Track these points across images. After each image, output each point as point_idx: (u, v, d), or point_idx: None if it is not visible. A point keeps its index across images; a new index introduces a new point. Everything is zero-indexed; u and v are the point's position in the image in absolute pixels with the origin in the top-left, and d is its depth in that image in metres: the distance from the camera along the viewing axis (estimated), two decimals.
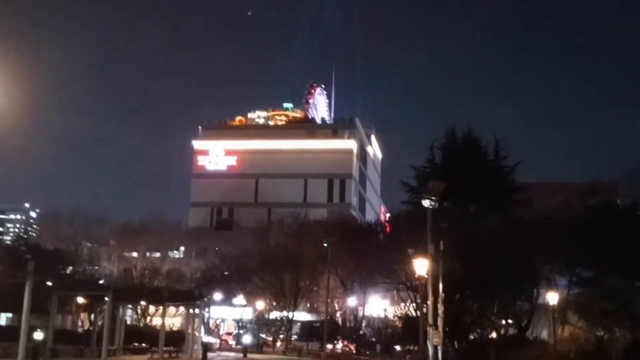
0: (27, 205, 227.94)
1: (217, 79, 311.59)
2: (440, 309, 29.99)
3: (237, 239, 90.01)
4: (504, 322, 53.69)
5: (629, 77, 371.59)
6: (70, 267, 76.19)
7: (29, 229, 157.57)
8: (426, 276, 28.62)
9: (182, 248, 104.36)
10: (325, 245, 63.38)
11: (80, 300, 64.07)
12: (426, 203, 27.99)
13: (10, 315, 67.13)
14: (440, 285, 31.54)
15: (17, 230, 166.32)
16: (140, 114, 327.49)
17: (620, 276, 46.70)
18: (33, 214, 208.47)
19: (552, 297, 41.58)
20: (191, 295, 67.55)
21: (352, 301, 74.04)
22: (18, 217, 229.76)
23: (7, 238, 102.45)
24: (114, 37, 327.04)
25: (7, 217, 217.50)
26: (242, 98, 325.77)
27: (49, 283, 46.07)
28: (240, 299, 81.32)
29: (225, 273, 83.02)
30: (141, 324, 75.88)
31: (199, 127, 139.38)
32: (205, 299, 67.33)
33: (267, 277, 75.51)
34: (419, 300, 53.36)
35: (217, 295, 75.54)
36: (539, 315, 52.67)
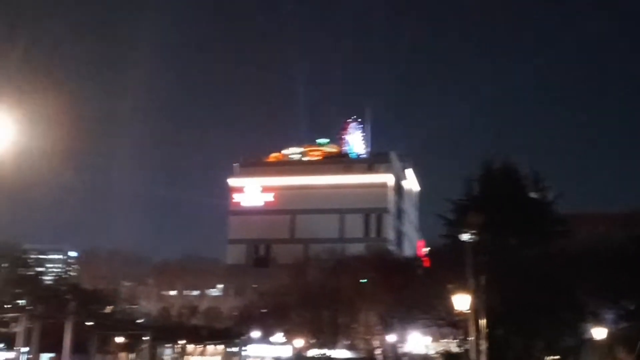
0: (66, 245, 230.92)
1: (251, 116, 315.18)
2: (483, 345, 29.26)
3: (275, 276, 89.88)
4: (549, 358, 52.17)
5: None
6: (110, 307, 76.71)
7: (68, 268, 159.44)
8: (467, 311, 28.03)
9: (220, 286, 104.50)
10: (363, 281, 62.80)
11: (119, 339, 64.27)
12: (465, 237, 27.53)
13: (51, 355, 67.55)
14: (482, 321, 30.82)
15: (57, 270, 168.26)
16: (175, 152, 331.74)
17: None
18: (73, 254, 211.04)
19: (599, 332, 40.34)
20: (229, 333, 67.56)
21: (391, 338, 72.93)
22: (58, 257, 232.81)
23: (48, 278, 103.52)
24: (149, 77, 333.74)
25: (48, 257, 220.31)
26: (277, 135, 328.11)
27: (89, 323, 46.32)
28: (278, 337, 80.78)
29: (263, 311, 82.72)
30: None
31: (235, 164, 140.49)
32: (243, 337, 67.19)
33: (306, 314, 75.01)
34: (461, 336, 52.27)
35: (256, 333, 75.21)
36: (585, 351, 51.06)
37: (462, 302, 28.59)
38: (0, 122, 11.20)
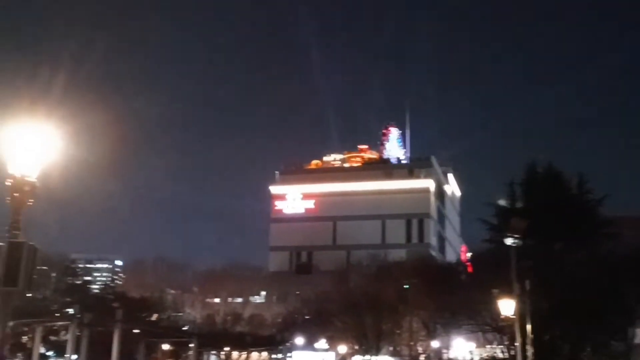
0: (113, 254, 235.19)
1: (293, 123, 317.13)
2: (529, 350, 28.97)
3: (317, 282, 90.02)
4: None
5: None
6: (156, 315, 77.83)
7: (115, 277, 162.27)
8: (512, 317, 27.79)
9: (263, 293, 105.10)
10: (405, 287, 62.53)
11: (166, 347, 65.12)
12: (509, 241, 27.32)
13: None
14: (528, 326, 30.49)
15: (104, 279, 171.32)
16: (218, 161, 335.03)
17: None
18: (119, 263, 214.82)
19: None
20: (273, 340, 67.90)
21: (435, 344, 72.50)
22: (105, 266, 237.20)
23: (95, 287, 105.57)
24: (192, 87, 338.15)
25: (95, 266, 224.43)
26: (318, 142, 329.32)
27: (137, 330, 47.08)
28: (322, 343, 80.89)
29: (307, 317, 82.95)
30: None
31: (276, 172, 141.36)
32: (287, 344, 67.49)
33: (348, 320, 74.93)
34: (506, 342, 51.65)
35: (299, 340, 75.46)
36: (635, 356, 50.00)
37: (507, 307, 28.34)
38: (49, 135, 11.62)
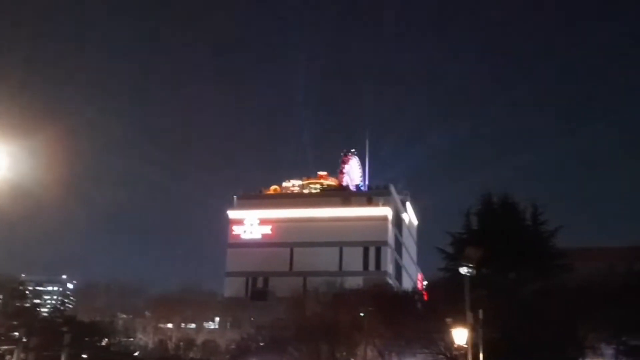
0: (64, 276, 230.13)
1: (251, 148, 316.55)
2: None
3: (273, 309, 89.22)
4: None
5: None
6: (106, 339, 76.08)
7: (65, 300, 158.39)
8: (466, 346, 27.76)
9: (217, 319, 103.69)
10: (361, 314, 62.29)
11: None
12: (464, 270, 27.41)
13: None
14: (481, 356, 30.51)
15: (54, 302, 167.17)
16: (175, 184, 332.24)
17: None
18: (70, 286, 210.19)
19: None
20: None
21: None
22: (55, 288, 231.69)
23: (44, 310, 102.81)
24: (149, 109, 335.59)
25: (45, 288, 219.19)
26: (277, 167, 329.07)
27: (85, 355, 45.91)
28: None
29: (261, 344, 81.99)
30: None
31: (234, 196, 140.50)
32: None
33: (303, 347, 74.22)
34: None
35: None
36: None
37: (460, 336, 28.33)
38: None
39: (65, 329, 57.08)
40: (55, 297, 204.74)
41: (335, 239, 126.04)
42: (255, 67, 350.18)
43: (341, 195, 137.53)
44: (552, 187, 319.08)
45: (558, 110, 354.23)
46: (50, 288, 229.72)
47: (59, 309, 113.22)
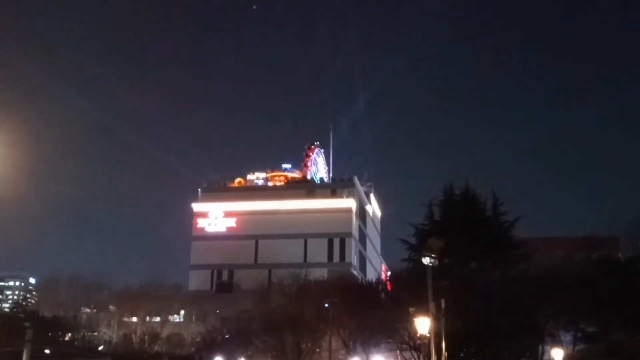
0: (26, 272, 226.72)
1: (216, 141, 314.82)
2: None
3: (238, 301, 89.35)
4: None
5: (631, 127, 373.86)
6: (69, 334, 75.45)
7: (27, 296, 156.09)
8: (428, 335, 28.38)
9: (182, 312, 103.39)
10: (326, 305, 62.79)
11: None
12: (426, 261, 27.97)
13: None
14: (443, 344, 31.20)
15: (15, 297, 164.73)
16: (138, 177, 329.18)
17: (625, 330, 46.23)
18: (32, 281, 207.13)
19: (557, 354, 41.17)
20: None
21: None
22: (17, 284, 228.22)
23: (6, 305, 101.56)
24: (112, 101, 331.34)
25: (6, 284, 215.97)
26: (241, 160, 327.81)
27: (48, 351, 45.57)
28: None
29: (226, 336, 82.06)
30: None
31: (199, 189, 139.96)
32: None
33: (269, 339, 74.51)
34: None
35: (218, 359, 74.57)
36: None
37: (423, 325, 28.93)
38: None
39: (27, 324, 56.45)
40: (17, 292, 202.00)
41: (300, 231, 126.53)
42: (221, 57, 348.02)
43: (305, 187, 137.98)
44: (513, 179, 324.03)
45: (519, 101, 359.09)
46: (11, 283, 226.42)
47: (20, 304, 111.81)
